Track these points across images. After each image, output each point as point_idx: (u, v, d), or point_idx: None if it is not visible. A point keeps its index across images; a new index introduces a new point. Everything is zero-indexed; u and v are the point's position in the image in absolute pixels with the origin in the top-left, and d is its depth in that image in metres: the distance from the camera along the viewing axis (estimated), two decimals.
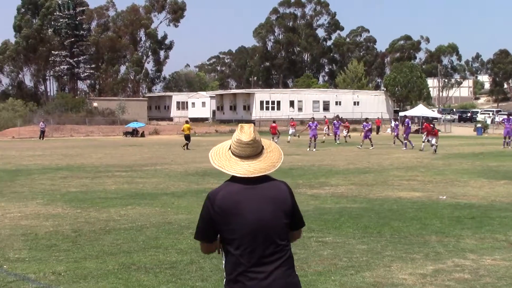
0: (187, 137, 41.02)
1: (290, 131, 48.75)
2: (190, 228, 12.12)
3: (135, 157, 33.60)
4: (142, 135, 71.41)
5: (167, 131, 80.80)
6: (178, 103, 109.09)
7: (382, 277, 8.47)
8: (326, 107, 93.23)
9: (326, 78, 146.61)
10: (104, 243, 10.80)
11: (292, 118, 55.96)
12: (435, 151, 33.71)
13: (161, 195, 17.55)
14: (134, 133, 72.90)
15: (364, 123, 42.61)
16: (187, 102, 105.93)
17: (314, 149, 37.26)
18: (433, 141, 34.35)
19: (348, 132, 51.03)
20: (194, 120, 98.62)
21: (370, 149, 37.84)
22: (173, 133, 78.62)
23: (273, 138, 41.13)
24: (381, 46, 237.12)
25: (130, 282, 8.27)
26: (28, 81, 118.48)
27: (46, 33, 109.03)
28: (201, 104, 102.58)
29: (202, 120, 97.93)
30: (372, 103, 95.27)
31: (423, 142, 36.10)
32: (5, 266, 9.16)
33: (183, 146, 40.24)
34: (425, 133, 36.39)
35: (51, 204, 15.72)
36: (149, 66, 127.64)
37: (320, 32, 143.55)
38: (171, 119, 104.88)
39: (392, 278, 8.43)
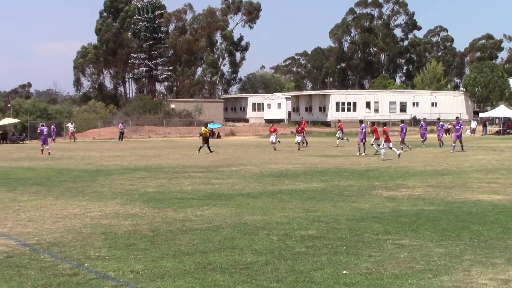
0: (205, 140, 39.84)
1: (338, 134, 46.26)
2: (265, 229, 12.15)
3: (211, 158, 33.92)
4: (218, 136, 72.06)
5: (243, 132, 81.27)
6: (254, 104, 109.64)
7: (461, 282, 8.27)
8: (403, 108, 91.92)
9: (403, 78, 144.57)
10: (181, 242, 10.93)
11: (339, 120, 53.75)
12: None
13: (236, 196, 17.66)
14: (210, 134, 73.62)
15: (454, 123, 38.93)
16: (262, 104, 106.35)
17: (364, 153, 35.13)
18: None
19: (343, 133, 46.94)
20: (270, 121, 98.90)
21: (437, 149, 37.00)
22: (248, 134, 79.07)
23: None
24: (460, 45, 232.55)
25: (206, 282, 8.35)
26: (108, 83, 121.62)
27: (125, 36, 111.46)
28: (276, 105, 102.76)
29: (278, 121, 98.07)
30: (451, 104, 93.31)
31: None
32: (86, 264, 9.39)
33: (198, 149, 38.80)
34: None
35: (129, 204, 16.05)
36: (225, 67, 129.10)
37: (397, 32, 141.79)
38: (247, 121, 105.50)
39: (472, 283, 8.21)
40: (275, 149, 40.18)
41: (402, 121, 42.43)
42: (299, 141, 41.69)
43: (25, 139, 65.98)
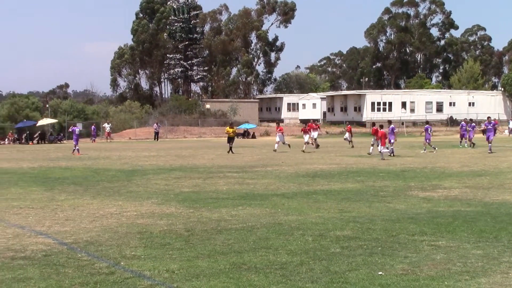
0: (230, 140, 39.71)
1: (346, 136, 45.56)
2: (300, 229, 12.13)
3: (246, 158, 33.98)
4: (253, 136, 72.18)
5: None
6: (289, 104, 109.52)
7: (499, 284, 8.15)
8: (439, 108, 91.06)
9: (440, 78, 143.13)
10: (216, 242, 10.97)
11: (347, 122, 52.51)
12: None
13: (271, 196, 17.66)
14: (245, 134, 73.85)
15: (486, 123, 38.24)
16: (297, 104, 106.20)
17: (392, 154, 34.18)
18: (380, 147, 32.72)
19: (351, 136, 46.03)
20: (305, 121, 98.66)
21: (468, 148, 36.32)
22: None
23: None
24: (498, 44, 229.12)
25: (241, 281, 8.36)
26: (144, 84, 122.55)
27: (161, 37, 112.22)
28: (311, 105, 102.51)
29: (313, 121, 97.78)
30: (489, 104, 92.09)
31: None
32: (122, 263, 9.48)
33: (228, 151, 38.68)
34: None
35: (165, 204, 16.15)
36: (260, 68, 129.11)
37: (434, 32, 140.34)
38: (282, 121, 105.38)
39: (510, 286, 8.09)
40: (276, 149, 39.67)
41: (427, 122, 42.10)
42: (307, 140, 41.68)
43: (63, 139, 66.89)
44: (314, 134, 44.63)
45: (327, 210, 14.67)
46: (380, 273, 8.72)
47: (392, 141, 34.74)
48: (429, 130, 38.93)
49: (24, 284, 8.30)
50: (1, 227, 12.76)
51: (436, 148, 37.91)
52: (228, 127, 41.70)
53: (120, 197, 17.66)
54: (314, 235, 11.49)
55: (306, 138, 41.85)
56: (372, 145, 34.91)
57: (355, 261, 9.45)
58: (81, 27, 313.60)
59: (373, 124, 35.84)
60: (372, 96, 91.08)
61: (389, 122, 36.89)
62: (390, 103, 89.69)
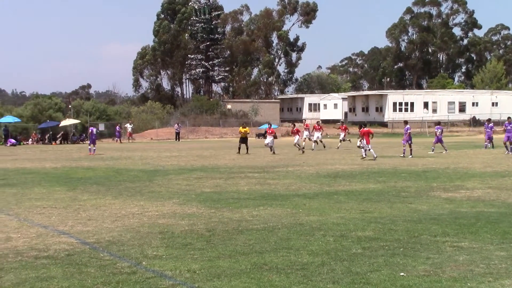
0: (243, 140, 39.34)
1: (341, 136, 44.98)
2: (321, 229, 12.11)
3: (267, 159, 33.98)
4: (275, 137, 71.98)
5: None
6: (310, 104, 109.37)
7: None
8: (462, 109, 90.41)
9: (462, 78, 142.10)
10: (237, 243, 10.98)
11: (342, 121, 51.86)
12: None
13: (292, 196, 17.64)
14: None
15: (506, 123, 37.15)
16: (319, 104, 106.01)
17: (410, 156, 33.57)
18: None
19: (345, 135, 45.64)
20: (326, 121, 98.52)
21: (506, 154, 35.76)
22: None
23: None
24: None
25: (262, 282, 8.36)
26: (166, 84, 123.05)
27: (183, 37, 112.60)
28: (333, 105, 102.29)
29: (334, 121, 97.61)
30: None
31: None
32: (144, 263, 9.53)
33: (238, 152, 38.39)
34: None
35: (186, 204, 16.20)
36: (281, 68, 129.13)
37: (456, 31, 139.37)
38: (298, 121, 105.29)
39: None
40: (273, 153, 37.93)
41: (438, 123, 41.10)
42: (295, 142, 40.93)
43: (85, 139, 67.26)
44: (318, 134, 44.18)
45: (349, 211, 14.62)
46: (402, 274, 8.68)
47: (409, 141, 34.25)
48: (440, 131, 37.73)
49: (47, 283, 8.38)
50: (24, 226, 12.88)
51: (447, 150, 37.14)
52: (241, 127, 41.39)
53: (142, 197, 17.74)
54: (335, 236, 11.47)
55: (296, 139, 40.84)
56: (363, 148, 33.97)
57: (376, 262, 9.41)
58: (104, 28, 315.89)
59: (360, 126, 35.39)
60: (394, 96, 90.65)
61: (405, 122, 36.43)
62: (412, 103, 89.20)
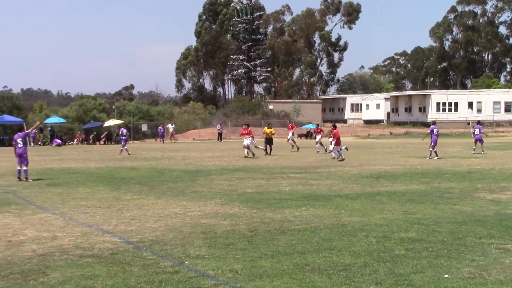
0: (268, 141, 38.61)
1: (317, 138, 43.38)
2: (364, 230, 12.04)
3: (309, 159, 33.90)
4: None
5: (341, 133, 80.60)
6: (352, 105, 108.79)
7: None
8: (508, 108, 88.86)
9: (508, 77, 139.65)
10: (279, 243, 10.99)
11: (289, 121, 51.13)
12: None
13: (334, 197, 17.57)
14: (308, 135, 73.73)
15: None
16: (361, 104, 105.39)
17: (436, 157, 32.19)
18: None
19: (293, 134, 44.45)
20: (368, 122, 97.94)
21: None
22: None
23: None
24: None
25: (304, 282, 8.35)
26: (208, 85, 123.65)
27: (224, 38, 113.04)
28: (375, 106, 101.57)
29: (377, 122, 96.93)
30: None
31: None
32: (186, 262, 9.59)
33: (265, 151, 37.99)
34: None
35: (228, 204, 16.25)
36: (323, 68, 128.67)
37: (502, 30, 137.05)
38: (345, 121, 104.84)
39: None
40: (247, 155, 35.56)
41: (478, 122, 39.90)
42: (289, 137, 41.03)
43: (128, 140, 68.03)
44: (318, 137, 42.78)
45: (391, 212, 14.51)
46: (446, 276, 8.59)
47: (432, 143, 32.77)
48: (434, 132, 33.68)
49: (92, 281, 8.49)
50: (70, 225, 13.08)
51: (484, 151, 35.97)
52: (266, 128, 40.65)
53: (184, 197, 17.86)
54: (378, 237, 11.39)
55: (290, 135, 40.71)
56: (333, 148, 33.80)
57: (420, 263, 9.33)
58: (147, 29, 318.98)
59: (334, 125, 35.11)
60: (437, 96, 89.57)
61: (433, 123, 35.30)
62: (456, 103, 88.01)
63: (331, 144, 34.20)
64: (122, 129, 44.20)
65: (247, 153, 35.58)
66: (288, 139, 41.34)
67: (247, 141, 36.29)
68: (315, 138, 47.47)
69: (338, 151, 32.50)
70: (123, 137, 41.95)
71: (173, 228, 12.60)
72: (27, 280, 8.63)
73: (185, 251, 10.43)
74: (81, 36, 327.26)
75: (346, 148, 34.91)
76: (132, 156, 38.96)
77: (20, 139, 23.82)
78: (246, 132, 36.82)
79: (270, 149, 38.40)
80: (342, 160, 31.60)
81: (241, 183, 21.80)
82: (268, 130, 39.23)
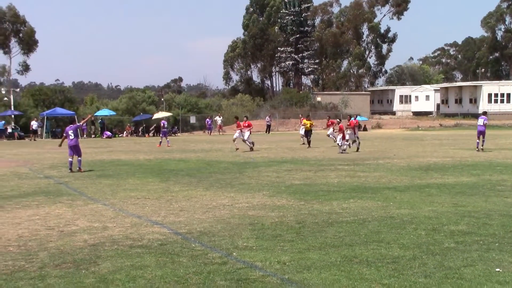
0: (306, 133, 38.26)
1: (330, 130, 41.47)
2: (413, 223, 11.93)
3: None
4: (365, 129, 71.43)
5: (389, 125, 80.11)
6: (401, 96, 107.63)
7: None
8: None
9: None
10: (327, 235, 10.96)
11: (328, 116, 50.02)
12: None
13: (383, 189, 17.44)
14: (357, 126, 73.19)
15: None
16: (410, 96, 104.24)
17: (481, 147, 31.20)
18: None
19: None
20: (418, 114, 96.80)
21: None
22: (395, 127, 77.80)
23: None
24: None
25: (352, 274, 8.32)
26: (256, 77, 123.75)
27: (272, 30, 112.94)
28: (424, 97, 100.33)
29: (426, 114, 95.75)
30: None
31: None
32: (234, 254, 9.64)
33: (303, 143, 37.32)
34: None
35: (276, 196, 16.27)
36: (372, 60, 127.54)
37: None
38: (393, 113, 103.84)
39: None
40: (237, 149, 35.40)
41: (484, 113, 34.42)
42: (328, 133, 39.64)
43: (177, 132, 68.61)
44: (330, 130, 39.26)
45: (441, 204, 14.33)
46: (497, 270, 8.46)
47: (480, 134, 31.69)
48: (481, 122, 31.95)
49: (141, 271, 8.61)
50: (120, 216, 13.27)
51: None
52: (305, 119, 40.22)
53: (232, 189, 17.94)
54: (427, 229, 11.27)
55: (330, 131, 38.41)
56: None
57: (470, 256, 9.20)
58: (195, 22, 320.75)
59: (330, 118, 34.73)
60: (489, 87, 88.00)
61: (484, 113, 33.96)
62: (508, 95, 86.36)
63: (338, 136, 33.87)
64: (163, 121, 45.04)
65: (236, 144, 35.84)
66: (328, 135, 40.64)
67: (236, 134, 36.14)
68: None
69: (341, 143, 32.71)
70: (164, 130, 42.82)
71: (221, 220, 12.67)
72: (79, 269, 8.80)
73: (233, 242, 10.48)
74: (130, 30, 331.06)
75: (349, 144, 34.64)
76: (180, 148, 39.29)
77: (72, 131, 24.26)
78: (246, 124, 36.10)
79: (309, 142, 38.08)
80: (344, 151, 32.32)
81: (288, 175, 21.79)
82: (308, 122, 38.94)
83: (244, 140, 35.80)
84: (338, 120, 35.82)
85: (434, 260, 9.00)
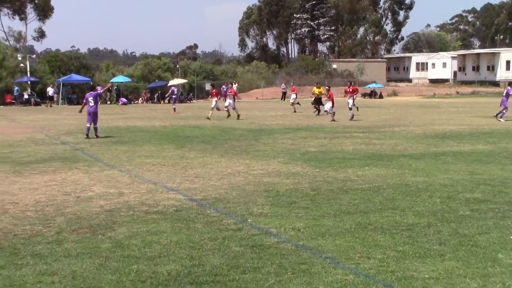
0: (316, 101, 37.85)
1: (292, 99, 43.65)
2: (428, 190, 11.91)
3: (372, 119, 33.58)
4: (380, 96, 71.15)
5: (405, 93, 79.65)
6: (417, 64, 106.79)
7: None
8: None
9: None
10: (342, 202, 10.98)
11: (293, 82, 50.18)
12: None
13: (398, 156, 17.40)
14: (372, 94, 72.93)
15: None
16: (426, 63, 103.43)
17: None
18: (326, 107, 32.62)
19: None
20: (434, 81, 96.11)
21: None
22: (411, 94, 77.36)
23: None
24: None
25: (367, 241, 8.34)
26: (271, 44, 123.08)
27: None
28: (441, 65, 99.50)
29: (443, 81, 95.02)
30: None
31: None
32: (249, 220, 9.69)
33: (314, 112, 37.24)
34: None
35: (291, 163, 16.28)
36: (388, 27, 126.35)
37: None
38: (410, 81, 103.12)
39: None
40: (229, 115, 35.35)
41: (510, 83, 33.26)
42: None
43: (192, 98, 68.63)
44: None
45: (456, 172, 14.28)
46: None
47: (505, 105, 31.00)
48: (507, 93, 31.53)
49: (157, 237, 8.68)
50: (136, 182, 13.35)
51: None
52: (314, 87, 39.60)
53: (247, 156, 17.96)
54: (442, 197, 11.26)
55: (213, 103, 36.23)
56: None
57: (485, 224, 9.19)
58: None
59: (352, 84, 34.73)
60: (507, 54, 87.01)
61: (509, 83, 32.85)
62: None
63: (325, 104, 33.65)
64: (172, 88, 45.68)
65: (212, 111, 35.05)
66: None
67: (228, 101, 35.94)
68: (378, 98, 46.48)
69: (330, 111, 32.51)
70: (174, 96, 44.72)
71: (236, 186, 12.72)
72: (95, 234, 8.88)
73: (248, 209, 10.53)
74: None
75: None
76: (196, 115, 39.31)
77: (92, 98, 24.44)
78: (214, 93, 36.39)
79: (318, 110, 37.52)
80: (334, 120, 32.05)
81: (304, 142, 21.79)
82: (317, 91, 38.37)
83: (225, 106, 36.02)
84: (327, 87, 35.27)
85: (449, 228, 9.00)
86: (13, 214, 10.25)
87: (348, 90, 33.71)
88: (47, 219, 9.84)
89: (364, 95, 72.37)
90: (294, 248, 8.10)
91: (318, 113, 37.24)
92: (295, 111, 40.43)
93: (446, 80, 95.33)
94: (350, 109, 32.88)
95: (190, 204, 11.01)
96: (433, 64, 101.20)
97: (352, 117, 32.50)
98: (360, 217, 9.77)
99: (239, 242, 8.39)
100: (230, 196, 11.64)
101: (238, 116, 34.52)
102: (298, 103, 43.22)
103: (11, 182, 13.54)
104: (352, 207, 10.51)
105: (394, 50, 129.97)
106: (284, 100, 66.52)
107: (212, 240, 8.50)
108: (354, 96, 33.68)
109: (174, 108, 42.46)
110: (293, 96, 44.08)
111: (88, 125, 24.19)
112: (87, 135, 23.91)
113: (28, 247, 8.21)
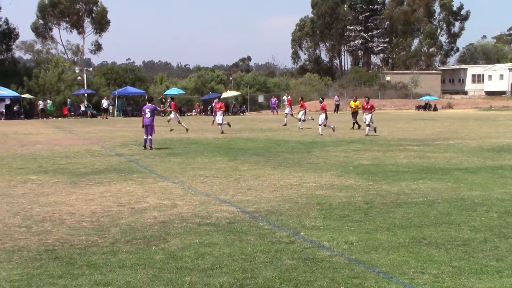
0: (353, 115, 36.97)
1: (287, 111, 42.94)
2: (484, 205, 11.70)
3: (427, 131, 33.17)
4: (435, 109, 70.26)
5: (461, 105, 78.49)
6: (473, 76, 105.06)
7: None
8: None
9: None
10: (395, 216, 10.86)
11: (287, 94, 49.34)
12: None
13: (453, 170, 17.14)
14: (426, 107, 72.09)
15: None
16: (483, 75, 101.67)
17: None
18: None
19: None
20: (491, 93, 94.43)
21: None
22: (467, 107, 76.19)
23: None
24: None
25: (421, 256, 8.23)
26: (324, 56, 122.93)
27: (341, 9, 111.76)
28: (498, 76, 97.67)
29: (499, 93, 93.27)
30: None
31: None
32: (301, 233, 9.66)
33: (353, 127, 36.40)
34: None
35: (344, 176, 16.19)
36: (443, 38, 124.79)
37: None
38: (465, 93, 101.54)
39: None
40: (222, 132, 33.96)
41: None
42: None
43: (245, 110, 68.92)
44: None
45: None
46: None
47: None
48: None
49: (210, 249, 8.72)
50: (189, 194, 13.45)
51: None
52: (352, 101, 38.68)
53: (300, 168, 17.93)
54: (499, 212, 11.04)
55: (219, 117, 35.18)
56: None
57: None
58: (263, 1, 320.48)
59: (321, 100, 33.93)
60: None
61: None
62: None
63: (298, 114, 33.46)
64: (215, 100, 45.37)
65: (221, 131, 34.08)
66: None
67: (219, 117, 34.92)
68: (432, 110, 45.95)
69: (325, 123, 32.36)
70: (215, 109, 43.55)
71: (289, 199, 12.70)
72: (149, 245, 8.97)
73: (300, 221, 10.50)
74: (199, 11, 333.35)
75: (312, 119, 33.67)
76: (249, 127, 39.43)
77: (149, 110, 24.80)
78: (219, 106, 35.34)
79: (357, 124, 36.64)
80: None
81: (357, 155, 21.65)
82: (353, 104, 37.53)
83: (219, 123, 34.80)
84: (320, 99, 34.87)
85: (506, 243, 8.81)
86: (70, 225, 10.44)
87: (366, 106, 33.04)
88: (102, 230, 9.99)
89: (418, 107, 71.63)
90: (347, 262, 8.04)
91: (353, 126, 36.74)
92: (285, 124, 40.11)
93: (504, 92, 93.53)
94: (368, 125, 32.02)
95: (242, 216, 11.04)
96: (490, 76, 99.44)
97: (369, 131, 31.52)
98: (414, 231, 9.64)
99: (291, 255, 8.37)
100: (282, 209, 11.63)
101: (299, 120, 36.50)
102: (292, 114, 43.53)
103: (68, 192, 13.80)
104: (406, 221, 10.38)
105: (449, 62, 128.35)
106: (337, 112, 66.28)
107: (265, 252, 8.50)
108: (372, 112, 32.80)
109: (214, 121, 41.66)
110: (288, 108, 44.06)
111: (145, 136, 24.57)
112: (144, 146, 24.31)
113: (84, 257, 8.34)
